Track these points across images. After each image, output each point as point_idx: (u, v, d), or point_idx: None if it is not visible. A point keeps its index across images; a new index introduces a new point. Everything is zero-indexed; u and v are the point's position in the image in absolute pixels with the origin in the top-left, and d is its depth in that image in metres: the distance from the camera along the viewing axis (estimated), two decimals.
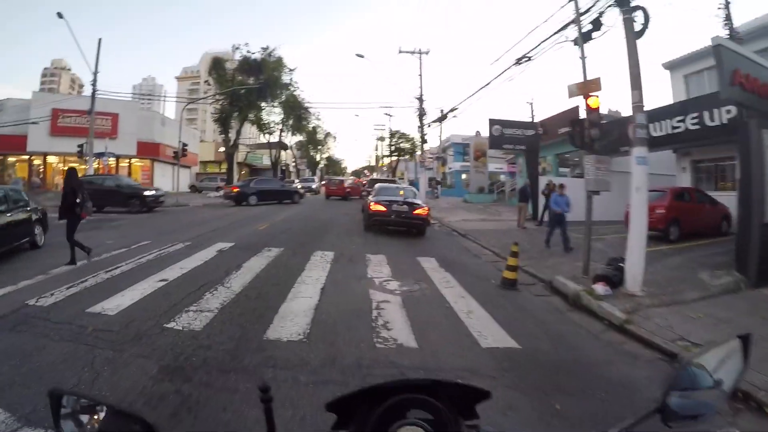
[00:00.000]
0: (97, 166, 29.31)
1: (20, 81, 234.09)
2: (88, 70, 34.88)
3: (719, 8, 17.29)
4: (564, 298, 8.62)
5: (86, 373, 4.32)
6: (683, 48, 72.64)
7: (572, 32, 11.12)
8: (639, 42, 9.12)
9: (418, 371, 4.77)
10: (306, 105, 50.39)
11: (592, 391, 4.65)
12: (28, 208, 11.14)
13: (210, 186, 42.60)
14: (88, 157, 27.93)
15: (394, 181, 31.60)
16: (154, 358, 4.77)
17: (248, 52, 38.67)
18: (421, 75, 32.93)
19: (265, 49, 38.74)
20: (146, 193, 23.57)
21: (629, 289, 8.69)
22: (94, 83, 27.67)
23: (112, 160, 32.66)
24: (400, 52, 32.86)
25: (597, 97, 10.01)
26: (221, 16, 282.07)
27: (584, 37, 10.55)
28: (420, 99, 32.15)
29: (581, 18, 10.57)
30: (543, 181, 20.59)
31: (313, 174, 76.98)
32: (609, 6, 9.70)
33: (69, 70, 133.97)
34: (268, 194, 29.02)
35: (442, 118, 32.34)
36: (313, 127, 62.09)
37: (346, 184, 38.85)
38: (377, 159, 79.84)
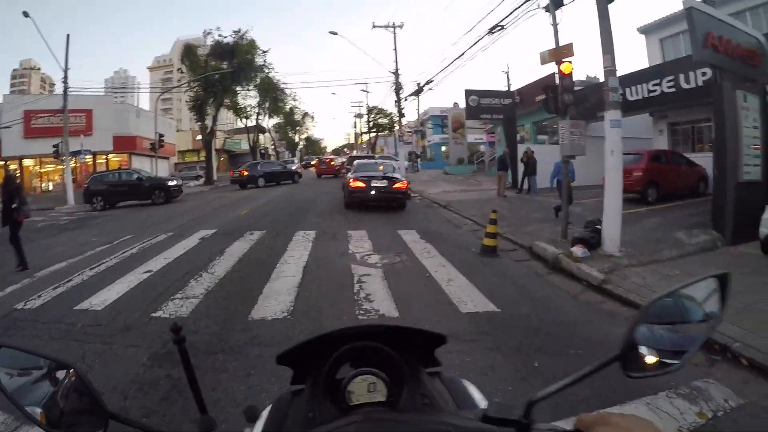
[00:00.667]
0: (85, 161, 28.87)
1: None
2: (58, 67, 34.05)
3: None
4: (544, 262, 8.76)
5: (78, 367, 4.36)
6: (659, 12, 72.70)
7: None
8: (612, 6, 9.20)
9: None
10: (281, 86, 50.07)
11: (570, 349, 4.81)
12: None
13: (189, 175, 42.36)
14: (64, 157, 27.53)
15: (372, 157, 31.57)
16: (144, 346, 4.88)
17: (220, 36, 37.88)
18: (395, 49, 32.77)
19: (237, 32, 37.99)
20: (170, 183, 24.11)
21: (607, 251, 8.88)
22: (65, 81, 27.07)
23: (89, 158, 32.20)
24: (374, 27, 32.66)
25: (570, 62, 10.05)
26: (191, 1, 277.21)
27: (555, 4, 10.60)
28: (395, 73, 32.07)
29: None
30: (522, 150, 20.74)
31: (293, 155, 76.28)
32: None
33: (38, 69, 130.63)
34: (272, 176, 30.98)
35: (418, 91, 32.27)
36: (290, 108, 61.10)
37: (336, 163, 39.25)
38: (356, 136, 79.17)
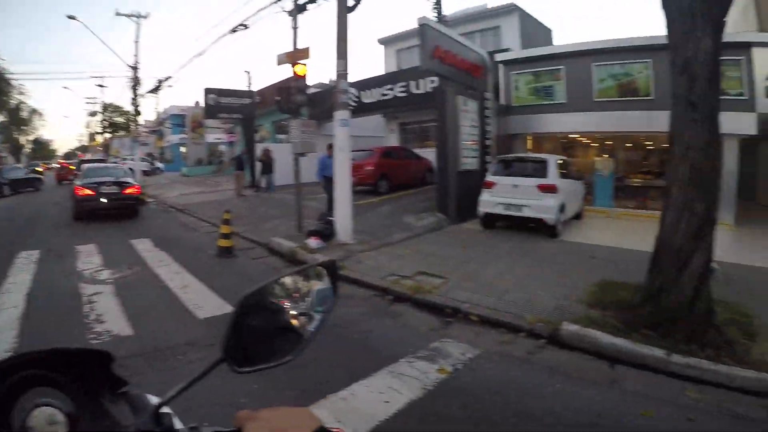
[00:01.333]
0: None
1: None
2: None
3: None
4: (281, 257, 9.10)
5: None
6: (399, 26, 79.65)
7: (289, 3, 11.66)
8: (355, 18, 9.75)
9: (137, 358, 4.56)
10: (6, 75, 43.37)
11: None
12: None
13: None
14: None
15: (104, 161, 29.03)
16: None
17: None
18: (137, 41, 30.23)
19: None
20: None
21: (341, 240, 9.54)
22: None
23: None
24: (117, 14, 29.70)
25: (304, 65, 10.48)
26: None
27: (299, 9, 11.00)
28: (134, 67, 29.60)
29: None
30: (260, 149, 21.15)
31: (18, 161, 64.95)
32: None
33: None
34: (18, 183, 27.00)
35: (156, 88, 30.29)
36: (17, 104, 53.08)
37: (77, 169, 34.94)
38: (90, 137, 71.31)
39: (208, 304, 6.28)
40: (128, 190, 14.12)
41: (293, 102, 10.40)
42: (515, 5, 23.50)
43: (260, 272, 8.10)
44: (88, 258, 9.17)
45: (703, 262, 4.99)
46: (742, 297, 6.34)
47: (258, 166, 20.55)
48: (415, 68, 17.27)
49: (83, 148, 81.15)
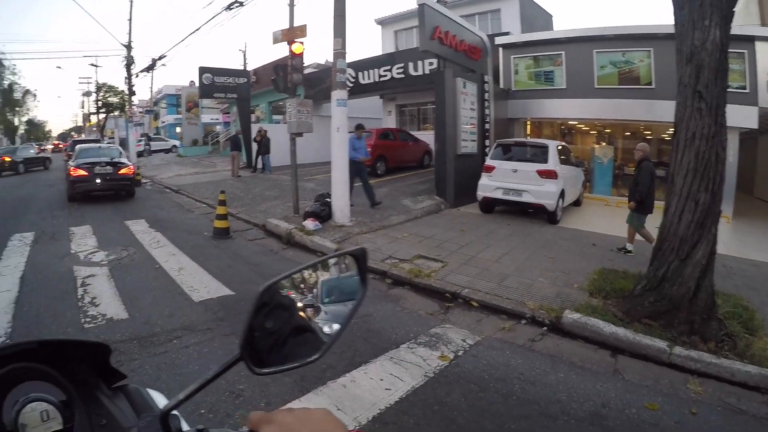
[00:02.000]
0: None
1: None
2: None
3: None
4: (278, 238, 9.03)
5: None
6: (397, 6, 78.63)
7: None
8: None
9: (132, 342, 4.50)
10: None
11: None
12: None
13: None
14: None
15: (98, 141, 28.79)
16: None
17: None
18: (130, 20, 29.83)
19: None
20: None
21: (338, 221, 9.50)
22: None
23: None
24: None
25: (301, 43, 10.27)
26: None
27: None
28: (128, 46, 29.23)
29: None
30: (255, 129, 21.03)
31: (12, 142, 64.41)
32: None
33: None
34: (30, 162, 27.87)
35: (150, 66, 29.96)
36: (9, 84, 52.45)
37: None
38: (84, 117, 70.67)
39: (204, 286, 6.22)
40: (122, 171, 13.95)
41: (290, 81, 10.23)
42: None
43: (257, 254, 8.05)
44: (83, 240, 9.05)
45: (706, 252, 4.96)
46: (742, 290, 6.33)
47: (254, 146, 20.42)
48: (414, 49, 17.16)
49: (78, 129, 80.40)
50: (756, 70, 12.25)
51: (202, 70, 22.60)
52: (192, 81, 41.44)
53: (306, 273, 1.08)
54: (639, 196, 8.09)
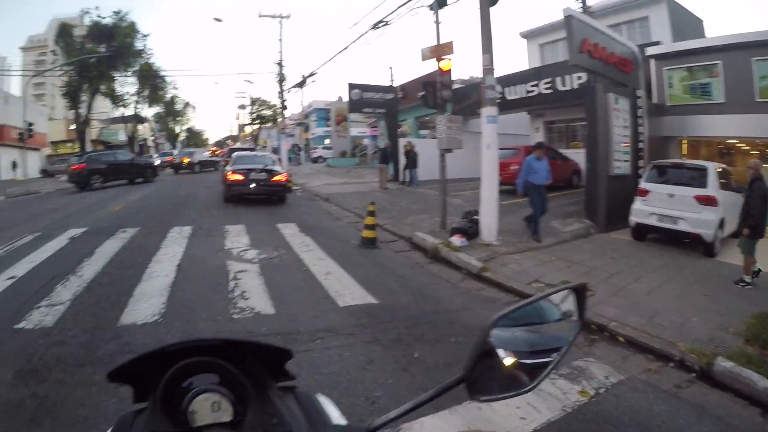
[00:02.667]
0: None
1: None
2: None
3: None
4: (423, 252, 9.05)
5: None
6: (541, 19, 77.05)
7: None
8: (497, 12, 9.55)
9: (276, 337, 4.77)
10: (162, 73, 47.82)
11: (450, 337, 4.97)
12: None
13: (63, 169, 39.25)
14: None
15: (252, 149, 31.03)
16: (8, 363, 4.40)
17: (98, 16, 35.40)
18: (281, 40, 32.40)
19: (116, 13, 35.67)
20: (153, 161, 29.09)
21: (485, 239, 9.33)
22: None
23: None
24: (261, 16, 31.69)
25: (449, 60, 10.37)
26: None
27: (439, 3, 10.87)
28: (280, 64, 31.38)
29: None
30: (402, 143, 21.24)
31: (173, 147, 72.36)
32: None
33: None
34: (204, 164, 34.02)
35: (301, 83, 31.87)
36: (171, 98, 58.92)
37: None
38: (239, 128, 77.08)
39: (349, 292, 6.40)
40: (276, 178, 14.84)
41: (439, 97, 10.35)
42: None
43: (402, 266, 8.13)
44: (236, 237, 9.75)
45: None
46: None
47: (401, 160, 20.74)
48: (561, 63, 16.62)
49: (233, 138, 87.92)
50: None
51: (351, 86, 23.45)
52: (340, 96, 43.49)
53: (540, 305, 1.13)
54: (752, 220, 7.33)
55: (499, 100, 12.33)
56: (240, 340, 1.11)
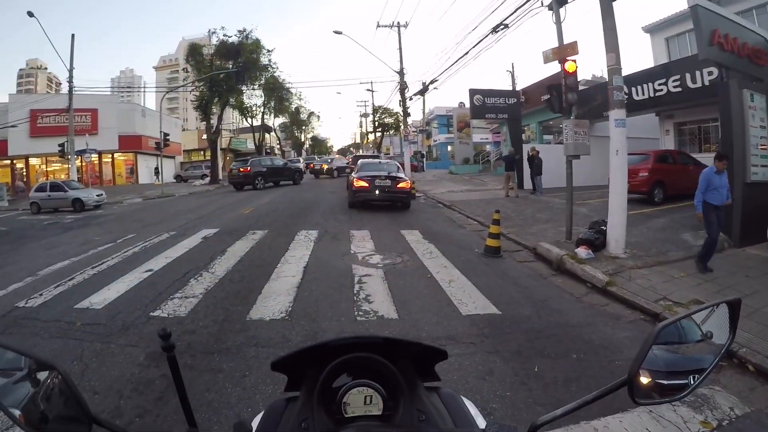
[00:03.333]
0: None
1: None
2: (64, 67, 34.02)
3: None
4: (547, 263, 8.66)
5: (75, 366, 4.37)
6: (664, 11, 72.31)
7: None
8: (616, 5, 9.07)
9: None
10: (287, 85, 49.97)
11: (572, 353, 4.70)
12: None
13: (195, 174, 42.67)
14: (70, 156, 27.74)
15: (377, 157, 31.66)
16: (141, 346, 4.83)
17: (225, 36, 37.65)
18: (400, 48, 32.44)
19: (241, 31, 37.82)
20: (300, 165, 33.92)
21: (612, 252, 8.78)
22: (70, 80, 27.41)
23: (94, 157, 32.17)
24: (378, 26, 32.38)
25: (574, 61, 9.93)
26: (196, 1, 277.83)
27: (559, 1, 10.46)
28: (400, 73, 31.77)
29: None
30: (526, 149, 20.59)
31: (299, 155, 75.88)
32: None
33: (45, 69, 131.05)
34: (340, 170, 36.66)
35: (422, 90, 32.01)
36: (296, 108, 61.42)
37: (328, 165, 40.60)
38: (362, 135, 79.15)
39: (472, 301, 6.26)
40: (400, 185, 14.96)
41: (565, 101, 9.97)
42: None
43: (525, 276, 7.86)
44: (361, 242, 9.92)
45: None
46: None
47: (525, 166, 20.10)
48: (689, 58, 15.48)
49: (356, 146, 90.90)
50: None
51: (473, 92, 23.27)
52: (461, 102, 43.39)
53: (699, 316, 1.13)
54: None
55: (625, 102, 11.72)
56: (400, 339, 1.18)
